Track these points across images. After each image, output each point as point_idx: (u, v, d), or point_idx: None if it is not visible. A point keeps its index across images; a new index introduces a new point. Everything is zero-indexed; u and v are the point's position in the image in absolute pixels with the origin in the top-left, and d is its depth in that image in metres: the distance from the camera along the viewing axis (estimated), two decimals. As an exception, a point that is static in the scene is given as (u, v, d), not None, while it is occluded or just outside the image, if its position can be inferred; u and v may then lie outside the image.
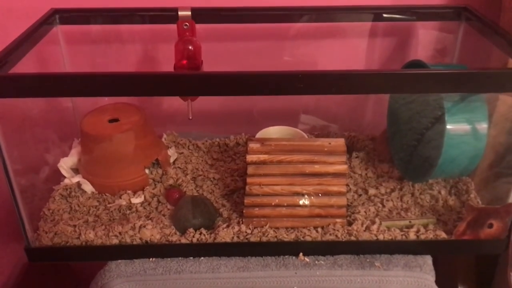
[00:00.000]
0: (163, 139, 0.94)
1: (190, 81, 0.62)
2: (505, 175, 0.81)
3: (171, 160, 0.89)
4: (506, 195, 0.75)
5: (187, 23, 0.80)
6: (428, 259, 0.74)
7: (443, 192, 0.82)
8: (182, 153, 0.92)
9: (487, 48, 0.79)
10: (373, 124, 1.01)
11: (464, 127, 0.75)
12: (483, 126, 0.74)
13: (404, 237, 0.74)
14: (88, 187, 0.82)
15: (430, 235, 0.74)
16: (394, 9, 0.86)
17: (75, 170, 0.86)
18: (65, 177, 0.84)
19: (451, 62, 0.90)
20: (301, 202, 0.75)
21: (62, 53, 0.88)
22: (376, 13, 0.86)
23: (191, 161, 0.90)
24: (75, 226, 0.75)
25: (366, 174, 0.87)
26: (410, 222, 0.76)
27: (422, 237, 0.74)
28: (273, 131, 0.90)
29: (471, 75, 0.62)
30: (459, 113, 0.74)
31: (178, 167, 0.88)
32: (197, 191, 0.83)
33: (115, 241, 0.73)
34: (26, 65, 0.71)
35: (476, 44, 0.83)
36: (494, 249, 0.76)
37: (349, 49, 0.95)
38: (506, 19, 0.81)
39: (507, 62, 0.77)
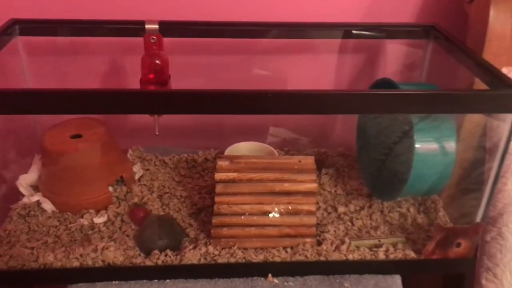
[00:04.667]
0: (128, 155, 0.91)
1: (153, 99, 0.60)
2: (472, 191, 0.82)
3: (137, 177, 0.86)
4: (473, 211, 0.76)
5: (154, 37, 0.78)
6: (397, 279, 0.74)
7: (412, 210, 0.82)
8: (148, 169, 0.89)
9: (455, 67, 0.80)
10: (343, 137, 1.01)
11: (433, 144, 0.75)
12: (451, 144, 0.75)
13: (373, 256, 0.74)
14: (48, 206, 0.79)
15: (400, 255, 0.74)
16: (364, 27, 0.86)
17: (35, 188, 0.82)
18: (23, 195, 0.81)
19: (420, 80, 0.91)
20: (270, 221, 0.73)
21: (23, 65, 0.85)
22: (346, 30, 0.86)
23: (157, 178, 0.87)
24: (33, 248, 0.71)
25: (335, 191, 0.87)
26: (379, 241, 0.76)
27: (392, 256, 0.74)
28: (242, 147, 0.88)
29: (441, 96, 0.62)
30: (427, 129, 0.74)
31: (144, 184, 0.85)
32: (163, 209, 0.81)
33: (75, 263, 0.70)
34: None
35: (444, 63, 0.84)
36: (462, 268, 0.76)
37: (319, 65, 0.95)
38: (473, 37, 0.82)
39: (473, 81, 0.78)
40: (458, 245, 0.73)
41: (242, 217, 0.73)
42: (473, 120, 0.81)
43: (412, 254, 0.74)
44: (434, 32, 0.84)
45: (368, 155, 0.91)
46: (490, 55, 0.78)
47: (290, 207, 0.74)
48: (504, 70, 0.79)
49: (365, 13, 0.90)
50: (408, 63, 0.94)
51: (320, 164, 0.92)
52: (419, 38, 0.87)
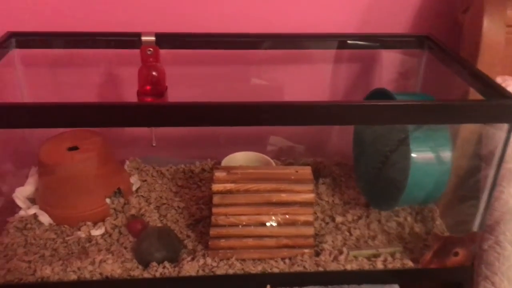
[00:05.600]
0: (125, 166, 0.91)
1: (148, 112, 0.60)
2: (469, 199, 0.82)
3: (134, 188, 0.86)
4: (470, 220, 0.76)
5: (150, 49, 0.78)
6: (395, 288, 0.74)
7: (409, 219, 0.83)
8: (146, 180, 0.89)
9: (449, 76, 0.81)
10: (340, 146, 1.01)
11: (429, 152, 0.75)
12: (446, 153, 0.75)
13: (371, 266, 0.74)
14: (45, 219, 0.78)
15: (397, 264, 0.74)
16: (359, 37, 0.86)
17: (32, 200, 0.82)
18: (20, 208, 0.80)
19: (415, 90, 0.91)
20: (268, 231, 0.73)
21: (19, 78, 0.85)
22: (341, 40, 0.86)
23: (154, 189, 0.87)
24: (30, 261, 0.71)
25: (333, 200, 0.87)
26: (377, 251, 0.76)
27: (390, 266, 0.74)
28: (239, 157, 0.89)
29: (436, 107, 0.63)
30: (423, 138, 0.75)
31: (141, 195, 0.85)
32: (160, 221, 0.80)
33: (73, 277, 0.70)
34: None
35: (438, 72, 0.85)
36: (460, 277, 0.77)
37: (315, 76, 0.95)
38: (467, 47, 0.83)
39: (468, 90, 0.78)
40: (456, 254, 0.73)
41: (240, 227, 0.73)
42: (469, 127, 0.82)
43: (410, 264, 0.74)
44: (428, 42, 0.85)
45: (365, 164, 0.91)
46: (484, 64, 0.78)
47: (287, 218, 0.74)
48: (498, 79, 0.80)
49: (360, 24, 0.91)
50: (403, 72, 0.94)
51: (317, 174, 0.92)
52: (414, 48, 0.88)
